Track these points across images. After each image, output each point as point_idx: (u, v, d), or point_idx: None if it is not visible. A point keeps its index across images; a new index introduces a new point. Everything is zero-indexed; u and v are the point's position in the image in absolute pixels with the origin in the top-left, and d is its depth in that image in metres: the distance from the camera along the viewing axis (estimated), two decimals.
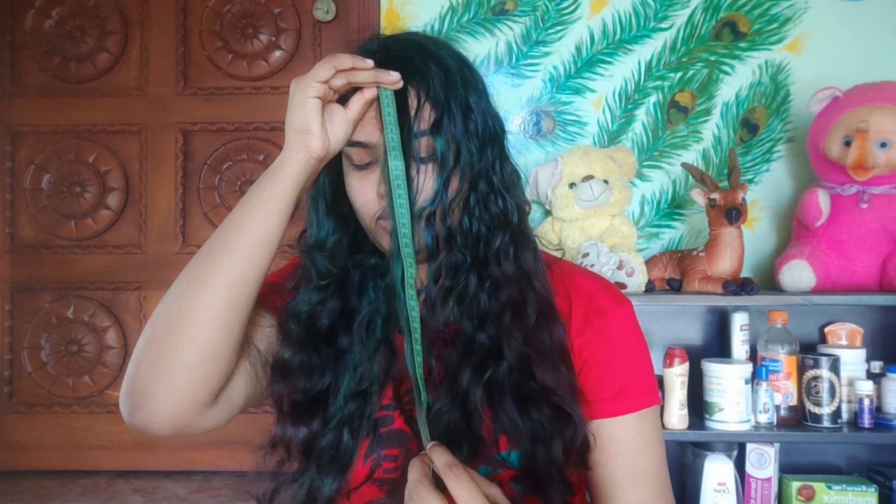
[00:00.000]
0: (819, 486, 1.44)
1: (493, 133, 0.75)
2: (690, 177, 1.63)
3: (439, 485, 0.58)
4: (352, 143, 0.72)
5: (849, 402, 1.46)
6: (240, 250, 0.68)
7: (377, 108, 0.70)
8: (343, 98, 0.71)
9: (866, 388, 1.41)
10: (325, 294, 0.75)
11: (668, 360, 1.44)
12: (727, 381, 1.41)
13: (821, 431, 1.41)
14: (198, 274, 0.68)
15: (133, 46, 1.96)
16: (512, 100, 1.78)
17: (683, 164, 1.64)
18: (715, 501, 1.42)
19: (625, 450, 0.75)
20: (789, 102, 1.74)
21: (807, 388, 1.43)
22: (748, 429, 1.42)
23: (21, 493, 1.77)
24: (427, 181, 0.71)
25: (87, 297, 1.95)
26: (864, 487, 1.43)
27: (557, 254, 0.88)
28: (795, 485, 1.45)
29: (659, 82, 1.76)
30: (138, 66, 1.96)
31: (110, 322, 1.94)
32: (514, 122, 1.78)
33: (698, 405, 1.46)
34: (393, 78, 0.69)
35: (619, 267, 1.47)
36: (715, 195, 1.49)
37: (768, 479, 1.47)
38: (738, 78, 1.75)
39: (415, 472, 0.59)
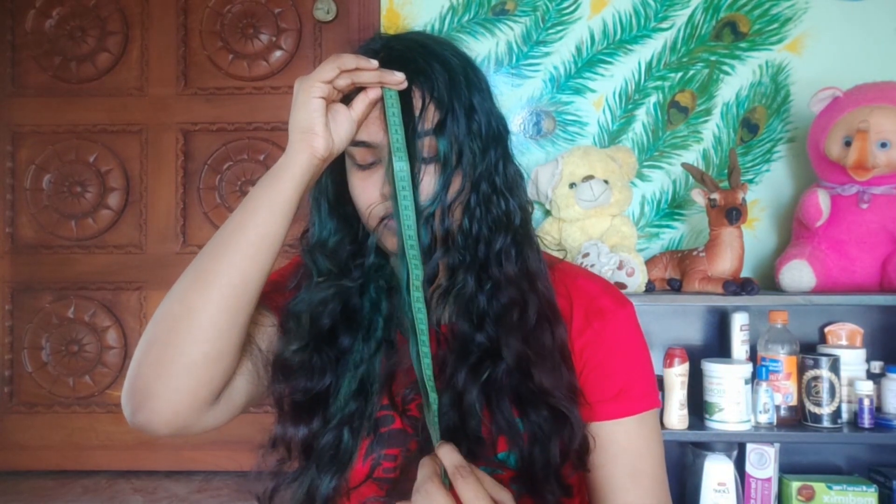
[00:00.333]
0: (819, 487, 1.44)
1: (496, 133, 0.74)
2: (691, 177, 1.63)
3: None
4: (355, 143, 0.72)
5: (849, 402, 1.46)
6: (242, 250, 0.67)
7: (381, 108, 0.70)
8: (346, 98, 0.71)
9: (866, 388, 1.42)
10: (327, 294, 0.75)
11: (668, 360, 1.44)
12: (727, 382, 1.41)
13: (821, 431, 1.41)
14: (200, 274, 0.68)
15: (133, 46, 1.96)
16: (512, 100, 1.78)
17: (684, 165, 1.64)
18: (715, 501, 1.42)
19: (624, 452, 0.75)
20: (790, 102, 1.74)
21: (807, 389, 1.43)
22: (748, 429, 1.42)
23: (21, 493, 1.77)
24: (429, 181, 0.70)
25: (87, 297, 1.95)
26: (865, 487, 1.43)
27: (559, 254, 0.88)
28: (795, 485, 1.45)
29: (659, 82, 1.76)
30: (139, 66, 1.96)
31: (111, 322, 1.94)
32: (515, 122, 1.78)
33: (698, 405, 1.46)
34: (398, 78, 0.69)
35: (620, 267, 1.47)
36: (715, 195, 1.50)
37: (768, 480, 1.47)
38: (739, 78, 1.75)
39: (425, 468, 0.59)
